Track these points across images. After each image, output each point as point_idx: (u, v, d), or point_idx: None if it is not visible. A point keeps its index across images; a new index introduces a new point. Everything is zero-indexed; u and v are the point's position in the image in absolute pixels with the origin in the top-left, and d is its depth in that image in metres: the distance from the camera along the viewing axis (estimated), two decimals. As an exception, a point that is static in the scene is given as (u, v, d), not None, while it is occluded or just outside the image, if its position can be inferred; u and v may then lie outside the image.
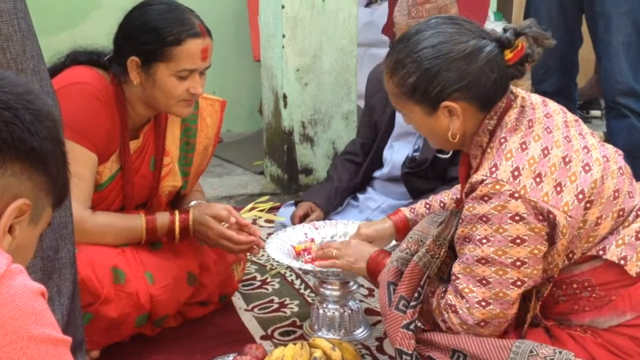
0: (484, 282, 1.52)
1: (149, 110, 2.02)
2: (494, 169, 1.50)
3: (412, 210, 2.00)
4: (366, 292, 2.35)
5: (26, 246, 1.00)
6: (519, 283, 1.51)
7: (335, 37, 3.38)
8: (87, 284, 1.81)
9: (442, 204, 1.98)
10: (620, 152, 1.65)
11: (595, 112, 4.99)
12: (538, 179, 1.48)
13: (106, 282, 1.87)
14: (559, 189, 1.49)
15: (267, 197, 2.84)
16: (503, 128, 1.56)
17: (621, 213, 1.56)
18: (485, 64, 1.53)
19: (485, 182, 1.50)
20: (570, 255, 1.54)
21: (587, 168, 1.53)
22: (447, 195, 2.00)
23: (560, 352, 1.47)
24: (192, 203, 2.12)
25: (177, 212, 2.02)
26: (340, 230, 2.16)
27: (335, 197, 2.72)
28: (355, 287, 2.07)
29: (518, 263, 1.49)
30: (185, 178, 2.18)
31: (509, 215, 1.47)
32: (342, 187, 2.75)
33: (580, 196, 1.50)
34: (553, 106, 1.64)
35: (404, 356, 1.58)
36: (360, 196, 2.77)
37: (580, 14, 3.04)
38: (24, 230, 0.97)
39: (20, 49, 1.44)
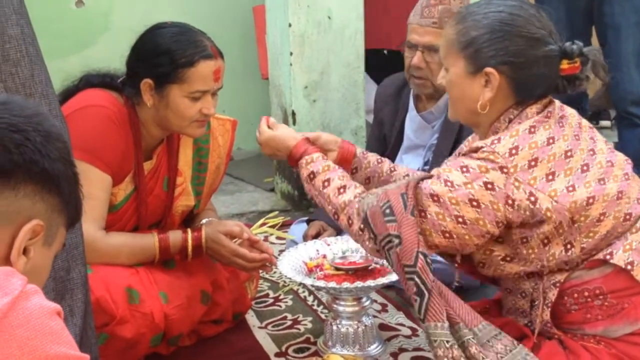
0: (422, 214, 1.54)
1: (162, 132, 2.04)
2: (495, 142, 1.54)
3: (364, 154, 1.95)
4: (379, 307, 2.35)
5: (41, 267, 1.01)
6: (447, 235, 1.53)
7: (342, 54, 3.40)
8: (102, 305, 1.83)
9: (392, 169, 1.94)
10: (629, 161, 1.65)
11: (605, 123, 4.98)
12: (533, 163, 1.51)
13: (121, 302, 1.88)
14: (550, 177, 1.51)
15: (276, 213, 2.84)
16: (522, 119, 1.59)
17: (628, 217, 1.57)
18: (544, 57, 1.56)
19: (482, 149, 1.54)
20: (569, 246, 1.53)
21: (584, 168, 1.55)
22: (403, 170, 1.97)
23: (513, 348, 1.49)
24: (204, 221, 2.13)
25: (189, 230, 2.03)
26: (353, 246, 2.17)
27: None
28: (368, 302, 2.07)
29: (460, 219, 1.52)
30: (198, 197, 2.19)
31: (485, 179, 1.50)
32: None
33: (570, 188, 1.51)
34: (570, 110, 1.67)
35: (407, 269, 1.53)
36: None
37: (590, 26, 3.04)
38: (39, 252, 0.99)
39: (28, 73, 1.46)
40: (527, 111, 1.60)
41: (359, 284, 1.92)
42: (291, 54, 3.32)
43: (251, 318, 2.31)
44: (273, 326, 2.27)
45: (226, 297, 2.16)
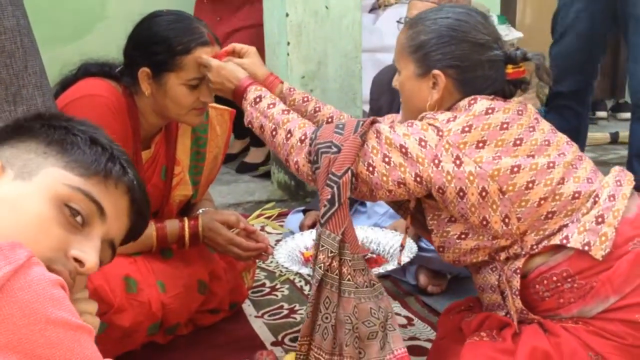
0: (363, 143, 1.61)
1: (161, 120, 2.04)
2: (438, 112, 1.64)
3: (290, 90, 1.95)
4: (375, 297, 2.36)
5: (9, 200, 1.01)
6: (370, 168, 1.60)
7: (339, 44, 3.40)
8: (100, 294, 1.83)
9: (316, 108, 1.95)
10: (571, 142, 1.69)
11: (601, 113, 5.00)
12: (467, 129, 1.57)
13: (119, 291, 1.88)
14: (480, 144, 1.57)
15: (273, 204, 2.85)
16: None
17: (577, 195, 1.59)
18: (488, 61, 1.66)
19: (426, 116, 1.64)
20: (506, 220, 1.56)
21: (517, 142, 1.59)
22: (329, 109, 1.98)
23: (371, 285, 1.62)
24: (201, 210, 2.14)
25: (186, 219, 2.04)
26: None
27: None
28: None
29: (386, 159, 1.59)
30: (195, 187, 2.20)
31: (421, 135, 1.58)
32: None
33: (497, 158, 1.56)
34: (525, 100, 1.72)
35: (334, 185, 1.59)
36: (368, 202, 2.78)
37: (612, 20, 3.01)
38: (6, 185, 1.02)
39: (22, 65, 1.47)
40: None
41: (355, 273, 1.93)
42: (288, 43, 3.32)
43: (248, 307, 2.33)
44: (269, 315, 2.28)
45: (223, 287, 2.17)
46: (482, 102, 1.61)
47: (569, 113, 3.18)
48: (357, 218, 2.73)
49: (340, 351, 1.61)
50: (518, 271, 1.59)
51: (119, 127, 1.93)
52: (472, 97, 1.63)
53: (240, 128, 3.89)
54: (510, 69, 1.67)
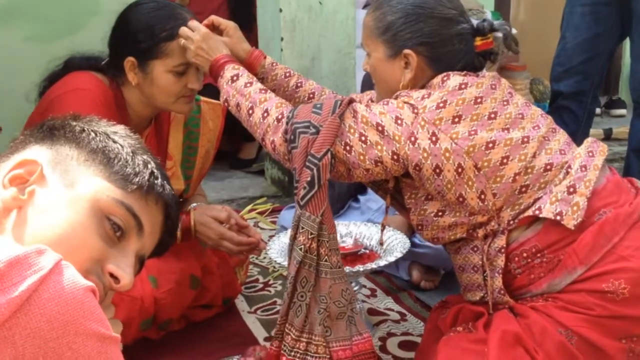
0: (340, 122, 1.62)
1: (150, 111, 2.03)
2: (412, 91, 1.64)
3: (273, 65, 1.96)
4: (368, 292, 2.36)
5: (47, 207, 0.98)
6: (347, 147, 1.60)
7: (333, 40, 3.39)
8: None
9: (298, 84, 1.97)
10: (545, 115, 1.70)
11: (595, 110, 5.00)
12: (441, 105, 1.58)
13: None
14: (456, 119, 1.57)
15: (265, 199, 2.85)
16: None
17: (549, 167, 1.60)
18: (457, 35, 1.67)
19: (401, 94, 1.64)
20: (482, 196, 1.58)
21: (492, 116, 1.60)
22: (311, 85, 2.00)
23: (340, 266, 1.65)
24: (193, 205, 2.13)
25: None
26: (342, 231, 2.18)
27: (337, 202, 2.73)
28: (357, 287, 2.08)
29: (363, 138, 1.59)
30: (187, 181, 2.19)
31: (397, 114, 1.59)
32: (343, 191, 2.76)
33: (473, 132, 1.56)
34: (492, 75, 1.71)
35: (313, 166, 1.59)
36: (361, 197, 2.78)
37: (618, 21, 2.98)
38: (46, 191, 1.00)
39: None
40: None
41: (347, 268, 1.92)
42: (282, 39, 3.31)
43: (241, 303, 2.32)
44: (262, 311, 2.28)
45: (216, 282, 2.17)
46: (455, 78, 1.62)
47: (568, 116, 3.13)
48: (350, 214, 2.73)
49: (311, 329, 1.64)
50: (502, 250, 1.60)
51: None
52: (445, 73, 1.64)
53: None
54: (478, 41, 1.69)
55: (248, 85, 1.74)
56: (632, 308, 1.52)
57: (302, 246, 1.61)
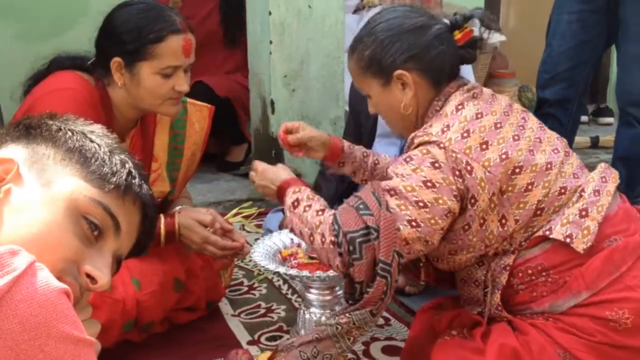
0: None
1: (136, 112, 2.02)
2: (427, 128, 1.62)
3: (350, 148, 2.02)
4: (353, 297, 2.36)
5: (25, 204, 0.97)
6: (413, 223, 1.54)
7: (322, 44, 3.39)
8: (73, 290, 1.81)
9: (375, 162, 2.02)
10: (561, 139, 1.70)
11: (582, 118, 5.01)
12: (465, 134, 1.57)
13: (92, 288, 1.86)
14: (484, 146, 1.57)
15: (250, 202, 2.84)
16: (449, 104, 1.66)
17: (563, 190, 1.60)
18: (435, 37, 1.68)
19: (417, 135, 1.62)
20: (503, 221, 1.57)
21: (516, 137, 1.60)
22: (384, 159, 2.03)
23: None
24: (178, 208, 2.12)
25: (162, 216, 2.02)
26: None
27: (329, 204, 2.72)
28: (341, 291, 2.07)
29: (421, 204, 1.54)
30: (173, 183, 2.18)
31: (430, 160, 1.56)
32: (330, 195, 2.76)
33: (504, 156, 1.56)
34: (501, 96, 1.73)
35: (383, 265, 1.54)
36: (348, 201, 2.78)
37: (605, 28, 2.99)
38: (23, 189, 0.99)
39: None
40: (451, 98, 1.67)
41: (332, 273, 1.92)
42: (271, 42, 3.31)
43: (225, 306, 2.31)
44: (246, 314, 2.27)
45: (200, 285, 2.16)
46: (470, 108, 1.62)
47: (553, 123, 3.12)
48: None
49: None
50: (507, 268, 1.60)
51: (91, 121, 1.91)
52: (458, 102, 1.63)
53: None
54: (458, 35, 1.70)
55: (307, 208, 1.68)
56: (634, 339, 1.52)
57: (352, 338, 1.58)
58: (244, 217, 2.63)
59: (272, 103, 3.38)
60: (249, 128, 3.83)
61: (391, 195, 1.56)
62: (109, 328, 1.91)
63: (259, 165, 1.92)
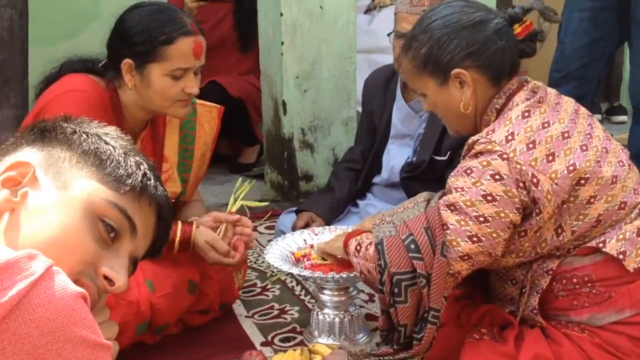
0: (444, 227, 1.54)
1: (146, 114, 2.02)
2: (490, 132, 1.55)
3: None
4: (366, 297, 2.35)
5: (42, 208, 0.97)
6: (474, 239, 1.51)
7: (334, 44, 3.39)
8: (87, 292, 1.82)
9: None
10: (625, 150, 1.66)
11: (596, 116, 4.99)
12: (531, 145, 1.52)
13: (106, 289, 1.87)
14: (550, 158, 1.51)
15: (244, 181, 2.78)
16: (512, 107, 1.59)
17: (622, 206, 1.57)
18: (494, 33, 1.60)
19: (479, 142, 1.55)
20: (559, 230, 1.54)
21: (584, 148, 1.55)
22: None
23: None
24: (194, 219, 2.10)
25: (179, 223, 2.02)
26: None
27: (337, 207, 2.72)
28: (355, 292, 2.07)
29: (481, 219, 1.51)
30: (184, 184, 2.18)
31: (490, 172, 1.51)
32: (343, 196, 2.75)
33: (571, 168, 1.51)
34: (567, 97, 1.68)
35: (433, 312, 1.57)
36: (360, 202, 2.77)
37: (617, 26, 2.97)
38: (39, 192, 0.99)
39: None
40: (516, 99, 1.61)
41: (345, 274, 1.92)
42: (282, 43, 3.31)
43: (238, 307, 2.31)
44: (260, 315, 2.27)
45: (214, 288, 2.15)
46: (536, 116, 1.56)
47: None
48: (349, 218, 2.72)
49: None
50: (550, 272, 1.58)
51: (102, 123, 1.92)
52: (525, 109, 1.57)
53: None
54: (518, 29, 1.63)
55: (368, 247, 1.68)
56: None
57: None
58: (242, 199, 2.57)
59: (284, 104, 3.38)
60: (261, 130, 3.83)
61: (451, 211, 1.53)
62: (122, 329, 1.90)
63: (319, 245, 1.98)
